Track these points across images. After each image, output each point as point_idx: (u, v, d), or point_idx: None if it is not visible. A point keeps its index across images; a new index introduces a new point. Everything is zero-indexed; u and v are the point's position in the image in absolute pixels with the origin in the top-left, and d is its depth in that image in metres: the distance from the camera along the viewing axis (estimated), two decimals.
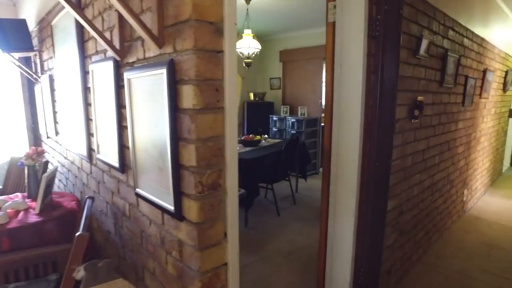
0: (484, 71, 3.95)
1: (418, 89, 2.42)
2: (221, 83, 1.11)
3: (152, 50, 1.22)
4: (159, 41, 1.12)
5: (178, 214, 1.17)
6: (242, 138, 4.44)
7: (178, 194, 1.16)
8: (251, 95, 6.69)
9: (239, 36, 4.33)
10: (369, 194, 1.90)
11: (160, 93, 1.15)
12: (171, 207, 1.20)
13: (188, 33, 1.01)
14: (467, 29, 3.25)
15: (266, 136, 4.90)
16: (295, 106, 6.49)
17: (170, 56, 1.10)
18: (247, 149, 4.19)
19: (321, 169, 6.33)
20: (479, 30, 3.60)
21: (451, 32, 2.87)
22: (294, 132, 5.95)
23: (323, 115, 6.40)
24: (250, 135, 4.49)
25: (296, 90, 6.60)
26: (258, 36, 6.78)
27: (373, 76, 1.79)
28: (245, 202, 3.64)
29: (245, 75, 6.90)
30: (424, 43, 2.32)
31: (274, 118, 6.34)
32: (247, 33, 4.18)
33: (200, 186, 1.08)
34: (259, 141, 4.43)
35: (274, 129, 6.34)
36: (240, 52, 4.31)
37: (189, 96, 1.04)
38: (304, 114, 6.09)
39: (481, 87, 3.96)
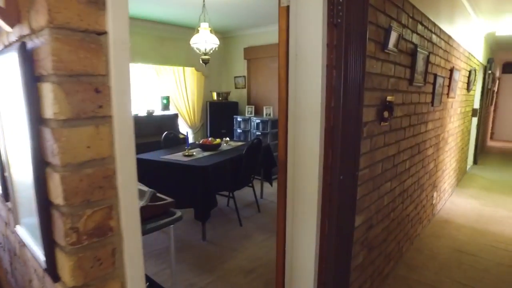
0: (451, 70, 3.80)
1: (387, 88, 2.15)
2: (104, 80, 0.75)
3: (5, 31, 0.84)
4: (9, 16, 0.73)
5: (51, 272, 0.79)
6: (200, 142, 4.05)
7: (50, 244, 0.78)
8: (214, 95, 6.30)
9: (195, 30, 3.94)
10: (333, 212, 1.59)
11: (17, 96, 0.76)
12: (42, 261, 0.82)
13: (40, 1, 0.64)
14: (435, 25, 3.04)
15: (227, 139, 4.54)
16: (260, 106, 6.18)
17: (24, 40, 0.73)
18: (205, 154, 3.81)
19: None
20: (446, 27, 3.43)
21: (420, 27, 2.64)
22: (259, 133, 5.63)
23: None
24: (209, 139, 4.12)
25: (261, 89, 6.29)
26: (220, 33, 6.41)
27: (335, 72, 1.48)
28: (201, 215, 3.27)
29: (208, 74, 6.51)
30: (393, 36, 2.05)
31: (239, 119, 5.99)
32: (204, 26, 3.80)
33: (74, 235, 0.71)
34: (219, 145, 4.07)
35: (239, 131, 5.99)
36: (197, 48, 3.92)
37: (48, 101, 0.67)
38: (269, 115, 5.78)
39: (449, 86, 3.81)
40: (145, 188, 1.70)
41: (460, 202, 4.64)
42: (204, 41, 3.73)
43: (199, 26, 3.82)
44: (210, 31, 3.85)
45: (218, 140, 4.10)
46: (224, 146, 4.30)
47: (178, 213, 1.65)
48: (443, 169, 4.24)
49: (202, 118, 6.58)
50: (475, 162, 7.21)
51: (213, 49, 3.98)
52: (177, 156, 3.65)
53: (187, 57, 6.05)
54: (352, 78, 1.54)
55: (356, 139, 1.65)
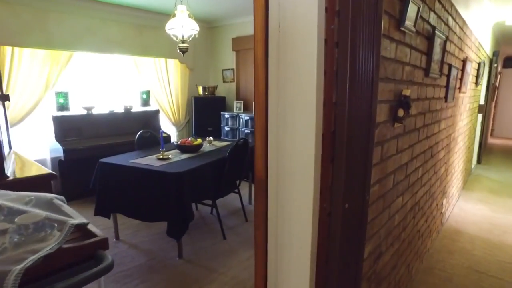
0: (464, 61, 3.33)
1: (402, 79, 1.66)
2: None
3: None
4: None
5: None
6: (179, 142, 3.54)
7: None
8: (200, 89, 5.78)
9: (172, 15, 3.41)
10: (334, 253, 1.11)
11: None
12: None
13: None
14: (452, 5, 2.56)
15: (210, 138, 4.04)
16: (250, 101, 5.67)
17: None
18: (183, 157, 3.31)
19: None
20: (462, 10, 2.95)
21: (437, 5, 2.15)
22: (248, 131, 5.13)
23: None
24: (189, 138, 3.61)
25: (251, 83, 5.77)
26: (206, 22, 5.88)
27: (337, 51, 0.99)
28: (174, 231, 2.77)
29: (193, 66, 5.98)
30: (412, 10, 1.56)
31: (226, 116, 5.48)
32: (181, 9, 3.28)
33: None
34: (200, 146, 3.56)
35: (226, 128, 5.49)
36: (173, 35, 3.40)
37: None
38: None
39: (461, 79, 3.34)
40: (64, 217, 1.20)
41: (468, 208, 4.20)
42: (181, 26, 3.21)
43: (176, 9, 3.30)
44: (189, 15, 3.33)
45: (199, 141, 3.60)
46: (207, 147, 3.80)
47: (108, 259, 1.15)
48: (452, 173, 3.78)
49: (187, 114, 6.06)
50: (478, 161, 6.79)
51: (192, 36, 3.46)
52: (150, 160, 3.14)
53: (170, 48, 5.50)
54: (363, 59, 1.05)
55: (367, 148, 1.16)
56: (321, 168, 1.05)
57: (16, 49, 4.06)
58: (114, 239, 3.34)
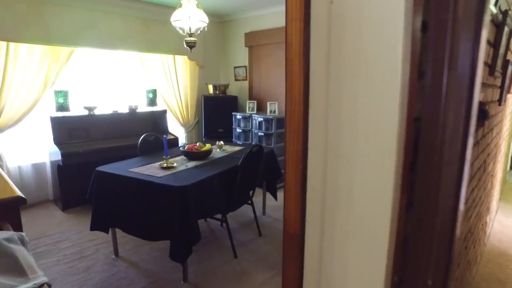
0: None
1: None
2: None
3: None
4: None
5: None
6: (185, 148, 3.17)
7: None
8: (210, 88, 5.40)
9: (178, 5, 3.04)
10: None
11: None
12: None
13: None
14: None
15: (221, 143, 3.65)
16: (264, 101, 5.27)
17: None
18: (190, 165, 2.94)
19: None
20: None
21: None
22: (262, 134, 4.73)
23: None
24: (197, 144, 3.23)
25: (265, 81, 5.38)
26: (217, 16, 5.50)
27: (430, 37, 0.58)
28: (178, 254, 2.40)
29: (203, 63, 5.60)
30: None
31: (238, 117, 5.10)
32: None
33: None
34: (209, 152, 3.18)
35: (238, 130, 5.10)
36: (179, 28, 3.03)
37: None
38: (274, 112, 4.88)
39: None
40: (10, 282, 0.82)
41: (511, 223, 3.73)
42: (188, 17, 2.83)
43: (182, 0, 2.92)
44: (197, 5, 2.95)
45: (208, 146, 3.22)
46: (217, 153, 3.42)
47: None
48: (495, 184, 3.33)
49: (196, 114, 5.69)
50: (511, 167, 6.24)
51: (201, 29, 3.08)
52: (152, 169, 2.78)
53: (178, 44, 5.13)
54: (464, 50, 0.64)
55: (459, 188, 0.75)
56: (397, 218, 0.65)
57: (12, 44, 3.75)
58: (113, 256, 3.00)
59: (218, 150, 3.58)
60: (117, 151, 4.04)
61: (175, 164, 2.89)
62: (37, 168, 4.24)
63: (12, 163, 4.04)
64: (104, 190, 2.76)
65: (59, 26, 3.99)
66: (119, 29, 4.49)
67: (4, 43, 3.70)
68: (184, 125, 5.52)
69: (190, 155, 3.12)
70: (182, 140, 5.57)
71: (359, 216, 0.65)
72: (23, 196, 1.37)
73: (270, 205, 4.09)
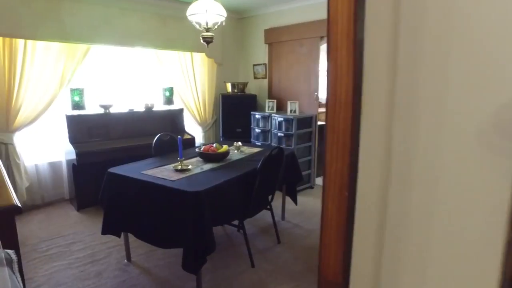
0: None
1: None
2: None
3: None
4: None
5: None
6: (201, 149, 3.02)
7: None
8: (229, 86, 5.24)
9: None
10: None
11: None
12: None
13: None
14: None
15: (239, 143, 3.48)
16: (284, 100, 5.07)
17: None
18: (206, 167, 2.78)
19: (317, 182, 4.98)
20: None
21: None
22: (282, 134, 4.53)
23: (321, 110, 4.99)
24: (214, 145, 3.07)
25: (285, 79, 5.17)
26: (236, 12, 5.33)
27: None
28: (191, 264, 2.24)
29: (221, 61, 5.45)
30: None
31: (257, 116, 4.91)
32: None
33: None
34: (226, 154, 3.02)
35: (257, 130, 4.92)
36: (196, 22, 2.87)
37: None
38: (294, 111, 4.67)
39: None
40: None
41: None
42: (205, 10, 2.67)
43: None
44: None
45: (225, 147, 3.05)
46: (234, 155, 3.25)
47: None
48: None
49: (214, 113, 5.55)
50: None
51: (218, 24, 2.91)
52: (166, 171, 2.63)
53: (196, 41, 4.98)
54: None
55: None
56: None
57: (29, 42, 3.70)
58: (125, 260, 2.88)
59: (236, 151, 3.41)
60: (132, 150, 3.93)
61: (190, 167, 2.74)
62: (54, 166, 4.19)
63: (29, 161, 4.01)
64: (116, 192, 2.64)
65: (75, 23, 3.92)
66: (135, 26, 4.38)
67: (21, 41, 3.65)
68: (201, 124, 5.38)
69: (206, 156, 2.96)
70: (199, 140, 5.43)
71: (443, 269, 0.45)
72: (18, 204, 1.23)
73: (290, 210, 3.90)
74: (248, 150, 3.47)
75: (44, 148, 4.12)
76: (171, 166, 2.76)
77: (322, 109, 7.61)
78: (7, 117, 3.68)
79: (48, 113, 3.95)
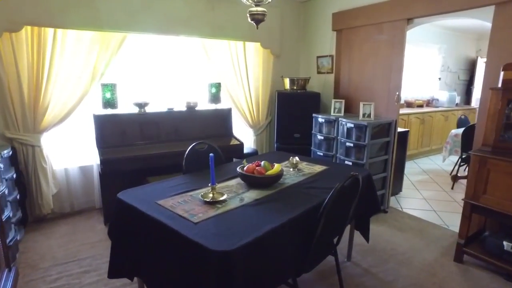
0: None
1: None
2: None
3: None
4: None
5: None
6: (244, 168, 2.21)
7: None
8: (287, 82, 4.38)
9: None
10: None
11: None
12: None
13: None
14: None
15: (296, 159, 2.62)
16: (354, 100, 4.08)
17: None
18: (248, 197, 1.97)
19: (392, 203, 3.95)
20: None
21: None
22: (351, 144, 3.56)
23: (404, 112, 3.89)
24: (261, 163, 2.25)
25: (357, 75, 4.16)
26: None
27: None
28: None
29: (279, 52, 4.61)
30: None
31: (320, 120, 3.99)
32: None
33: None
34: (278, 177, 2.18)
35: (319, 137, 4.00)
36: None
37: None
38: (368, 115, 3.66)
39: None
40: None
41: None
42: None
43: None
44: None
45: (276, 167, 2.22)
46: (289, 176, 2.40)
47: None
48: None
49: (268, 114, 4.74)
50: None
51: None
52: (189, 203, 1.88)
53: (249, 28, 4.22)
54: None
55: None
56: None
57: (59, 31, 3.21)
58: None
59: (291, 170, 2.56)
60: (170, 158, 3.29)
61: (225, 196, 1.95)
62: (85, 171, 3.73)
63: (58, 165, 3.57)
64: (126, 225, 1.95)
65: (110, 9, 3.35)
66: (179, 11, 3.72)
67: (51, 31, 3.17)
68: (253, 126, 4.61)
69: (250, 180, 2.15)
70: (249, 145, 4.68)
71: None
72: None
73: (358, 245, 2.97)
74: (308, 169, 2.60)
75: (76, 151, 3.66)
76: (201, 193, 2.00)
77: (406, 110, 6.36)
78: (34, 117, 3.25)
79: (78, 112, 3.46)
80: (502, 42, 2.81)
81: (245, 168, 2.21)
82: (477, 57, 8.28)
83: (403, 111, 6.02)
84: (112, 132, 3.35)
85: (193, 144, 2.69)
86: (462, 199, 2.76)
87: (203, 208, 1.81)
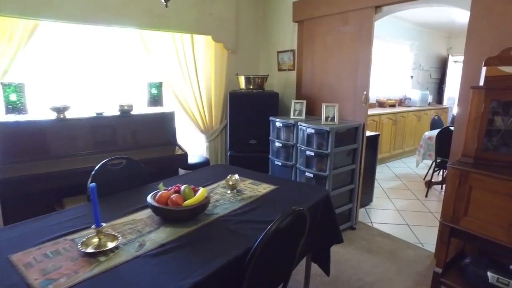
0: None
1: None
2: None
3: None
4: None
5: None
6: (156, 197, 1.64)
7: None
8: (242, 81, 3.83)
9: None
10: None
11: None
12: None
13: None
14: None
15: (235, 177, 2.07)
16: (319, 101, 3.58)
17: None
18: (154, 240, 1.41)
19: (361, 218, 3.43)
20: None
21: None
22: (311, 153, 3.05)
23: (372, 112, 3.45)
24: (182, 188, 1.68)
25: (321, 71, 3.66)
26: None
27: None
28: None
29: (235, 47, 4.06)
30: None
31: (278, 124, 3.46)
32: None
33: None
34: (200, 209, 1.62)
35: (277, 144, 3.47)
36: None
37: None
38: (332, 119, 3.16)
39: None
40: None
41: None
42: None
43: None
44: None
45: (200, 195, 1.66)
46: (223, 203, 1.85)
47: None
48: None
49: (224, 117, 4.18)
50: None
51: None
52: (61, 257, 1.30)
53: (199, 19, 3.65)
54: None
55: None
56: None
57: None
58: None
59: (228, 192, 2.02)
60: (87, 175, 2.66)
61: (117, 242, 1.37)
62: None
63: None
64: None
65: None
66: None
67: None
68: (205, 131, 4.04)
69: (162, 214, 1.59)
70: (202, 153, 4.10)
71: None
72: None
73: (319, 278, 2.47)
74: (250, 190, 2.07)
75: None
76: (84, 237, 1.42)
77: (378, 111, 5.91)
78: None
79: None
80: (482, 33, 2.38)
81: (157, 196, 1.64)
82: (448, 55, 8.04)
83: (374, 111, 5.61)
84: (18, 143, 2.69)
85: (105, 161, 2.09)
86: (440, 220, 2.31)
87: (76, 265, 1.24)
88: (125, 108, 3.22)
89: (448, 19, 6.40)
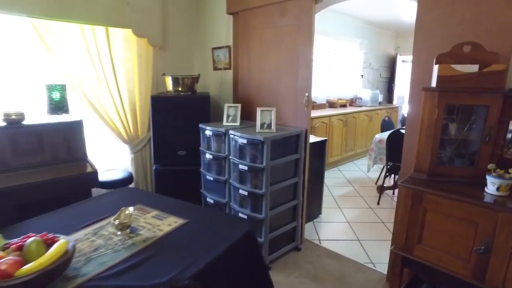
0: None
1: None
2: None
3: None
4: None
5: None
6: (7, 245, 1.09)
7: None
8: (169, 82, 3.29)
9: None
10: None
11: None
12: None
13: None
14: None
15: (130, 210, 1.54)
16: (257, 105, 3.12)
17: None
18: None
19: (307, 235, 2.76)
20: None
21: None
22: (245, 168, 2.58)
23: (316, 114, 3.06)
24: (27, 242, 1.14)
25: (259, 71, 3.22)
26: None
27: None
28: None
29: (162, 43, 3.51)
30: None
31: (207, 132, 2.95)
32: None
33: None
34: (56, 270, 1.09)
35: (208, 156, 2.96)
36: None
37: None
38: (268, 126, 2.72)
39: None
40: None
41: None
42: None
43: None
44: None
45: (56, 249, 1.13)
46: (103, 253, 1.32)
47: None
48: None
49: (150, 125, 3.61)
50: None
51: None
52: None
53: (113, 7, 3.06)
54: None
55: None
56: None
57: None
58: None
59: (118, 234, 1.49)
60: None
61: None
62: None
63: None
64: None
65: None
66: None
67: None
68: (129, 141, 3.44)
69: None
70: (128, 167, 3.50)
71: None
72: None
73: None
74: (150, 228, 1.56)
75: None
76: None
77: (328, 112, 5.54)
78: None
79: None
80: (431, 26, 2.05)
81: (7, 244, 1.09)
82: (396, 54, 8.03)
83: (324, 112, 5.31)
84: None
85: None
86: (391, 249, 1.95)
87: None
88: (13, 117, 2.55)
89: (396, 17, 6.28)
